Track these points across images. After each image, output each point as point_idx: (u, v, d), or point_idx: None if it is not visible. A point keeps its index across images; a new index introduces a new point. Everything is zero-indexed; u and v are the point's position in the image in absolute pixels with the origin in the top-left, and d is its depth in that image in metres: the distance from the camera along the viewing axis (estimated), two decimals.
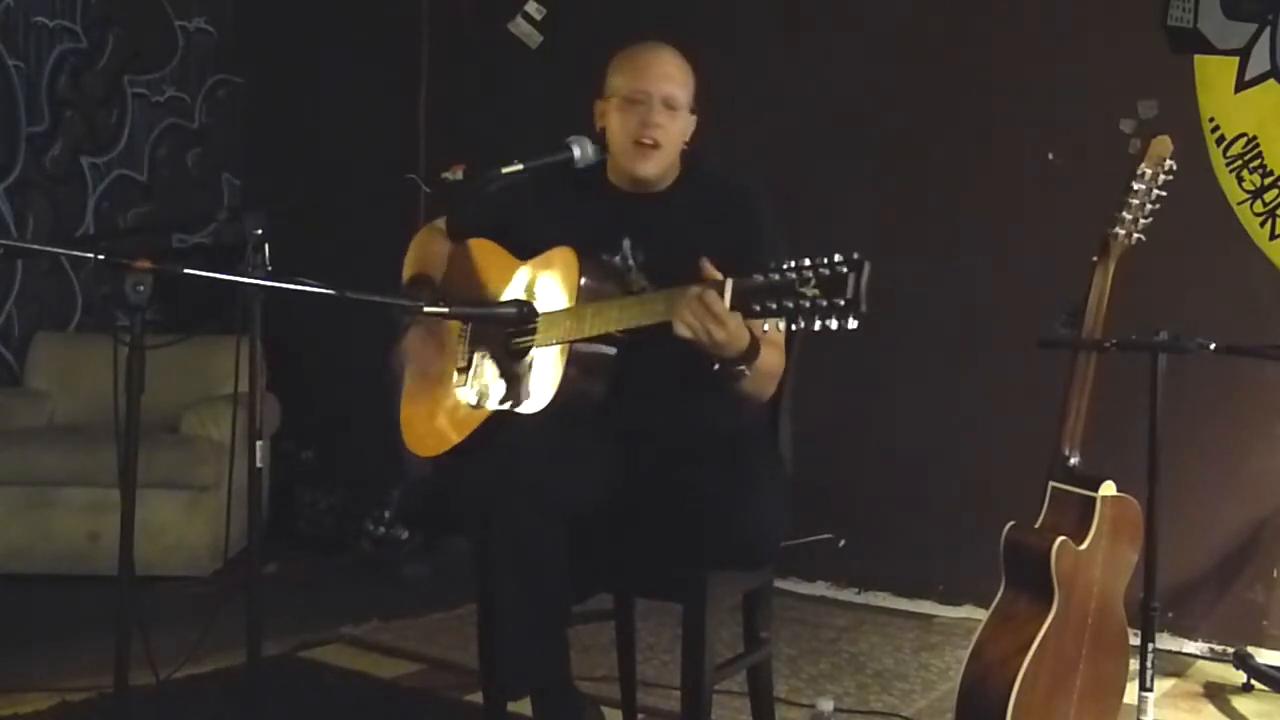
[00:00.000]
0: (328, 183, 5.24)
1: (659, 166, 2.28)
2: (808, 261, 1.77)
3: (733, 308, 1.88)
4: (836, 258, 1.75)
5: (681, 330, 1.93)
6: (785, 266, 1.79)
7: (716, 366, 2.00)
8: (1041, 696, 2.37)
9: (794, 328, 1.80)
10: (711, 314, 1.90)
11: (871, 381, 4.21)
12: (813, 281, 1.75)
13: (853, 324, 1.74)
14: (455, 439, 2.26)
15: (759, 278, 1.83)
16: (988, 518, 2.60)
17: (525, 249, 2.33)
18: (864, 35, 4.25)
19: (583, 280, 2.15)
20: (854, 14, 4.26)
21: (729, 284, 1.88)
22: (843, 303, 1.73)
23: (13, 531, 4.18)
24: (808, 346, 2.40)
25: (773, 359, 2.15)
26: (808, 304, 1.75)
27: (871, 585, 4.21)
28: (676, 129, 2.28)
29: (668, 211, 2.30)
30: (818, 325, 1.76)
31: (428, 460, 2.33)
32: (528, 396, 2.14)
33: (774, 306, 1.80)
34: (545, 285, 2.22)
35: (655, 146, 2.25)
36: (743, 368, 2.01)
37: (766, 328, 1.87)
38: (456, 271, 2.42)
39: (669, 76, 2.27)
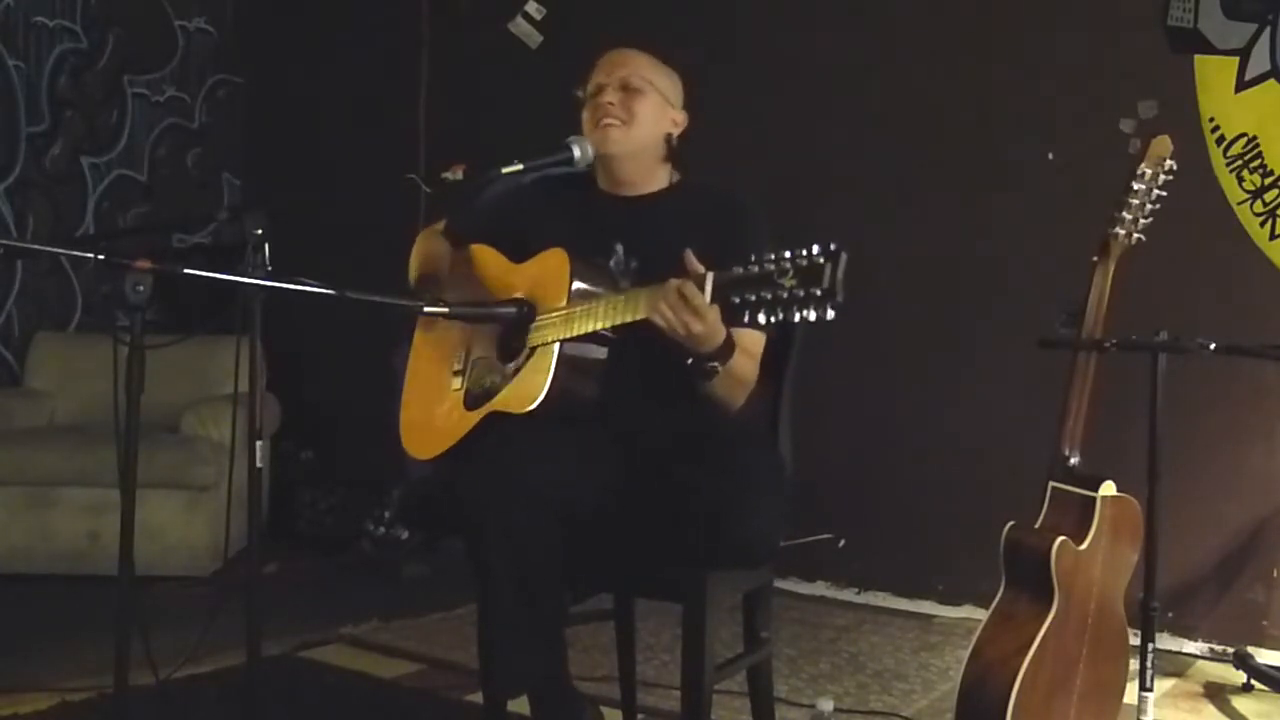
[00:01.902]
0: (328, 183, 5.24)
1: (622, 145, 2.30)
2: (786, 254, 1.79)
3: (713, 300, 1.89)
4: (814, 249, 1.77)
5: (659, 321, 1.95)
6: (764, 259, 1.81)
7: (690, 361, 2.02)
8: (1041, 696, 2.37)
9: (774, 319, 1.81)
10: (689, 306, 1.92)
11: (871, 381, 4.21)
12: (790, 272, 1.77)
13: (830, 314, 1.75)
14: (452, 441, 2.26)
15: (739, 270, 1.85)
16: (988, 518, 2.60)
17: (519, 253, 2.33)
18: (863, 36, 4.26)
19: (575, 282, 2.15)
20: (853, 16, 4.27)
21: (710, 277, 1.90)
22: (819, 293, 1.74)
23: (13, 531, 4.18)
24: (808, 347, 2.40)
25: (745, 366, 2.16)
26: (786, 294, 1.77)
27: (871, 585, 4.22)
28: (640, 110, 2.30)
29: (659, 217, 2.31)
30: (796, 316, 1.77)
31: (426, 461, 2.34)
32: (521, 397, 2.15)
33: (753, 298, 1.81)
34: (539, 286, 2.22)
35: (613, 123, 2.27)
36: (715, 364, 2.03)
37: (748, 320, 1.86)
38: (457, 275, 2.43)
39: (624, 62, 2.32)
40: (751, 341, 2.17)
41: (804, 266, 1.76)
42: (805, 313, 1.76)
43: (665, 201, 2.35)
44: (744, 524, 2.09)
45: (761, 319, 1.81)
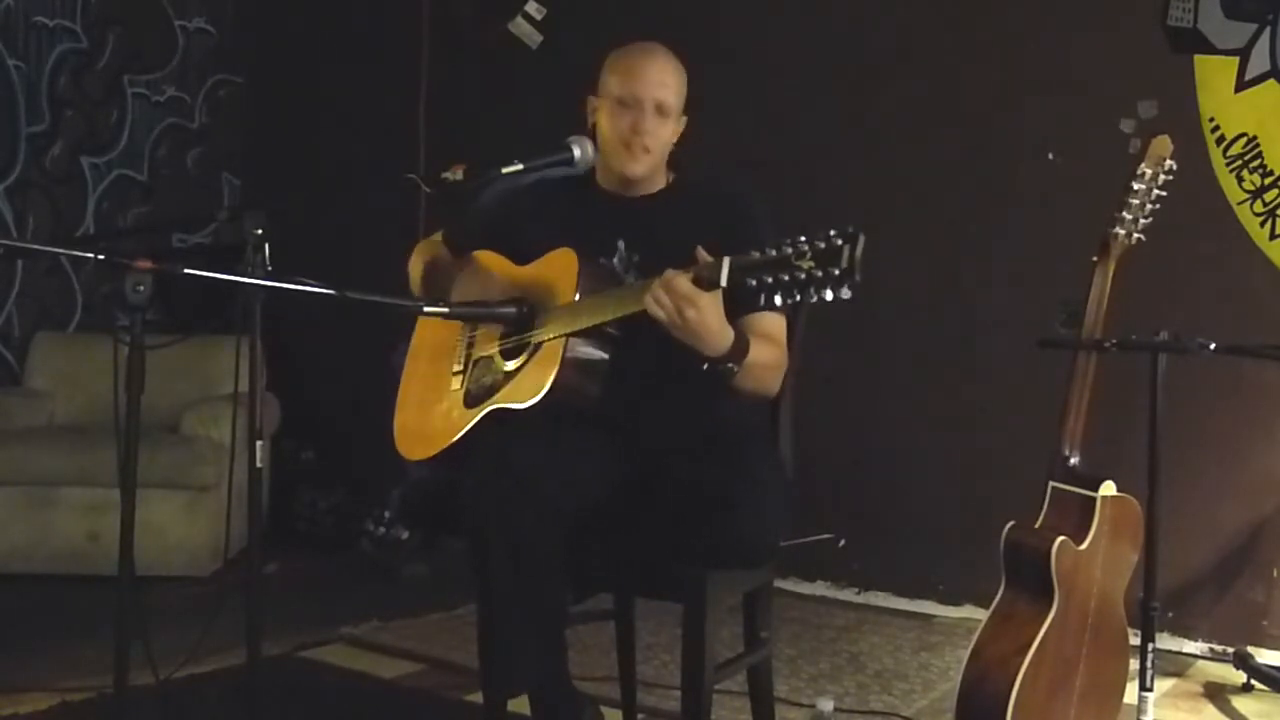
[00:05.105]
0: (328, 183, 5.24)
1: (647, 168, 2.31)
2: (803, 238, 1.81)
3: (730, 284, 1.90)
4: (831, 232, 1.78)
5: (654, 310, 1.96)
6: (781, 243, 1.82)
7: (705, 366, 2.02)
8: (1042, 696, 2.37)
9: (791, 300, 1.81)
10: (678, 292, 1.93)
11: (872, 381, 4.21)
12: (808, 254, 1.79)
13: (847, 294, 1.76)
14: (450, 439, 2.25)
15: (755, 254, 1.86)
16: (988, 518, 2.60)
17: (521, 256, 2.33)
18: (863, 36, 4.26)
19: (581, 282, 2.15)
20: (853, 15, 4.27)
21: (725, 261, 1.90)
22: (838, 272, 1.76)
23: (13, 531, 4.17)
24: (807, 346, 2.40)
25: (768, 353, 2.16)
26: (804, 276, 1.78)
27: (871, 585, 4.21)
28: (666, 134, 2.30)
29: (660, 214, 2.31)
30: (814, 297, 1.78)
31: (425, 461, 2.33)
32: (522, 393, 2.15)
33: (770, 281, 1.82)
34: (545, 286, 2.22)
35: (646, 151, 2.27)
36: (731, 365, 2.03)
37: (764, 302, 1.86)
38: (461, 280, 2.42)
39: (663, 83, 2.28)
40: (771, 325, 2.18)
41: (822, 249, 1.77)
42: (823, 293, 1.77)
43: (667, 199, 2.35)
44: (745, 523, 2.09)
45: (778, 300, 1.82)
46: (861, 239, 1.75)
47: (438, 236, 2.51)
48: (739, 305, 1.99)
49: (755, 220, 2.28)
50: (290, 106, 5.57)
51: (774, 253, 1.83)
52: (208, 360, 4.55)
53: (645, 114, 2.25)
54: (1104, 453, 2.62)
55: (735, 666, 2.35)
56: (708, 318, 1.95)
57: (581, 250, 2.21)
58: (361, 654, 3.48)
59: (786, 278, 1.80)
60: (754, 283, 1.84)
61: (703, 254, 1.95)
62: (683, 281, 1.93)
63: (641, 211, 2.33)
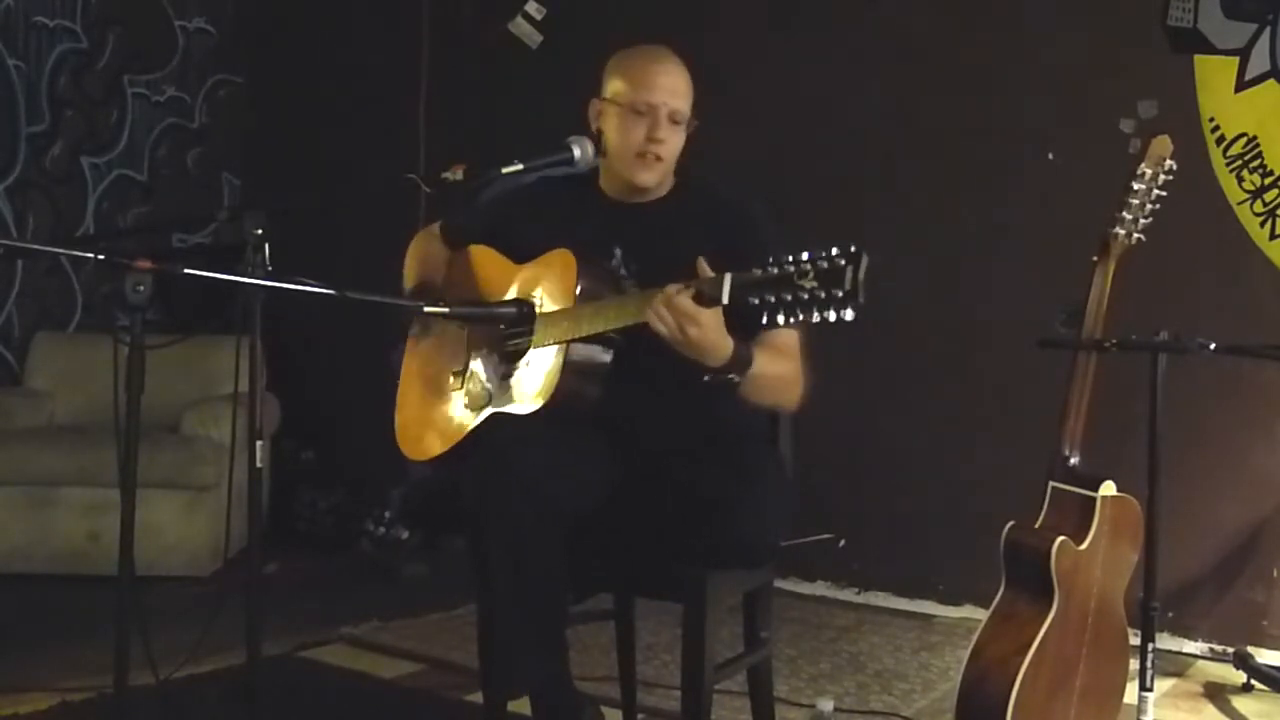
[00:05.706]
0: (328, 183, 5.24)
1: (659, 176, 2.29)
2: (805, 255, 1.78)
3: (731, 302, 1.88)
4: (834, 250, 1.76)
5: (656, 325, 1.95)
6: (783, 260, 1.80)
7: (707, 378, 2.01)
8: (1042, 696, 2.37)
9: (793, 320, 1.80)
10: (680, 310, 1.91)
11: (872, 381, 4.21)
12: (811, 274, 1.76)
13: (850, 315, 1.75)
14: (452, 442, 2.25)
15: (757, 271, 1.83)
16: (988, 518, 2.60)
17: (519, 255, 2.32)
18: (863, 35, 4.26)
19: (580, 283, 2.15)
20: (853, 15, 4.27)
21: (727, 278, 1.88)
22: (841, 294, 1.74)
23: (13, 531, 4.17)
24: (808, 346, 2.40)
25: (780, 367, 2.14)
26: (806, 296, 1.76)
27: (871, 585, 4.22)
28: (678, 142, 2.28)
29: (659, 222, 2.30)
30: (816, 317, 1.77)
31: (427, 462, 2.33)
32: (523, 399, 2.14)
33: (772, 300, 1.80)
34: (543, 287, 2.22)
35: (659, 160, 2.25)
36: (732, 376, 2.01)
37: (767, 321, 1.85)
38: (455, 276, 2.42)
39: (676, 91, 2.26)
40: (784, 340, 2.15)
41: (825, 270, 1.75)
42: (826, 314, 1.75)
43: (667, 206, 2.33)
44: (745, 523, 2.09)
45: (780, 320, 1.80)
46: (865, 259, 1.73)
47: (435, 228, 2.51)
48: (743, 324, 1.96)
49: (757, 227, 2.26)
50: (290, 106, 5.57)
51: (775, 270, 1.80)
52: (208, 360, 4.55)
53: (660, 123, 2.23)
54: (1104, 453, 2.62)
55: (735, 666, 2.35)
56: (709, 333, 1.94)
57: (575, 253, 2.20)
58: (361, 654, 3.48)
59: (789, 297, 1.78)
60: (756, 301, 1.82)
61: (704, 267, 1.93)
62: (685, 300, 1.91)
63: (641, 219, 2.31)
